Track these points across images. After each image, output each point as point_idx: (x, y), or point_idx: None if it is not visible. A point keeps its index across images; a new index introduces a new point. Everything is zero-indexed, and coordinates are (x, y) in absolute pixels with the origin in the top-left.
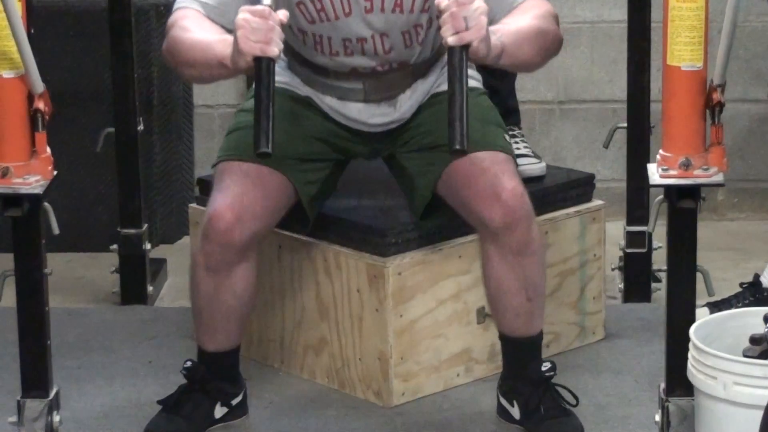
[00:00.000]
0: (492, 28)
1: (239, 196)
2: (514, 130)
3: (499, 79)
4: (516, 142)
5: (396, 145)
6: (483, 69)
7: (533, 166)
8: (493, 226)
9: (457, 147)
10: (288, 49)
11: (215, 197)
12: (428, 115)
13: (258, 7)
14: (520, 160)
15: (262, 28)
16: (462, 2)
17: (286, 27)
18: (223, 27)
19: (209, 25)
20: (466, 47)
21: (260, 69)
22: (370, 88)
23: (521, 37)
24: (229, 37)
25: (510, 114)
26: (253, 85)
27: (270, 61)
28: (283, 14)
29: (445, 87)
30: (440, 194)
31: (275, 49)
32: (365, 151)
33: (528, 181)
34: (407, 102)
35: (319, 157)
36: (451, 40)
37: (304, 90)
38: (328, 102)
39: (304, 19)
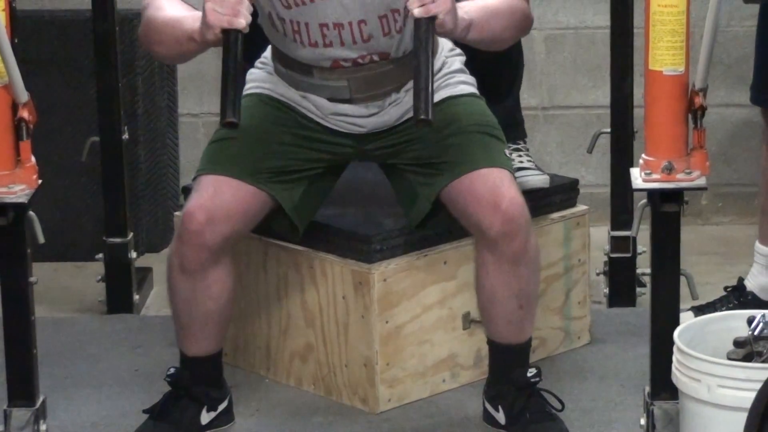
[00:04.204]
0: (460, 3)
1: (211, 198)
2: (519, 144)
3: (506, 92)
4: (520, 155)
5: (392, 151)
6: (488, 83)
7: (536, 178)
8: (492, 234)
9: (422, 117)
10: (274, 53)
11: (188, 201)
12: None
13: None
14: (523, 173)
15: (230, 1)
16: None
17: (265, 17)
18: (195, 8)
19: (180, 5)
20: (431, 19)
21: (228, 41)
22: (355, 86)
23: (489, 12)
24: (199, 14)
25: (515, 127)
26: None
27: (238, 33)
28: None
29: (440, 95)
30: (443, 202)
31: (242, 21)
32: (355, 152)
33: (528, 192)
34: (397, 106)
35: (302, 166)
36: (416, 11)
37: (288, 95)
38: (316, 102)
39: (280, 3)
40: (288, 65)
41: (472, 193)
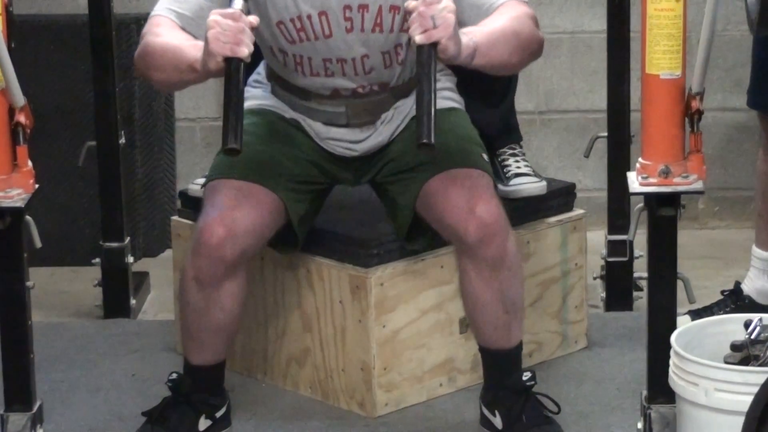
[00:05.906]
0: (464, 29)
1: (230, 211)
2: (515, 148)
3: (501, 97)
4: (517, 160)
5: (377, 168)
6: (484, 88)
7: (533, 185)
8: (469, 241)
9: (424, 140)
10: (271, 74)
11: (206, 212)
12: (407, 135)
13: (229, 10)
14: (520, 179)
15: (232, 29)
16: (429, 2)
17: (266, 48)
18: (196, 38)
19: (182, 33)
20: (434, 45)
21: (230, 69)
22: (352, 112)
23: (494, 37)
24: (200, 42)
25: (511, 131)
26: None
27: (240, 62)
28: (253, 18)
29: None
30: (419, 212)
31: (245, 49)
32: (349, 176)
33: (524, 199)
34: (388, 124)
35: (309, 179)
36: (418, 38)
37: (290, 113)
38: (312, 126)
39: (284, 39)
40: (285, 88)
41: (446, 199)
